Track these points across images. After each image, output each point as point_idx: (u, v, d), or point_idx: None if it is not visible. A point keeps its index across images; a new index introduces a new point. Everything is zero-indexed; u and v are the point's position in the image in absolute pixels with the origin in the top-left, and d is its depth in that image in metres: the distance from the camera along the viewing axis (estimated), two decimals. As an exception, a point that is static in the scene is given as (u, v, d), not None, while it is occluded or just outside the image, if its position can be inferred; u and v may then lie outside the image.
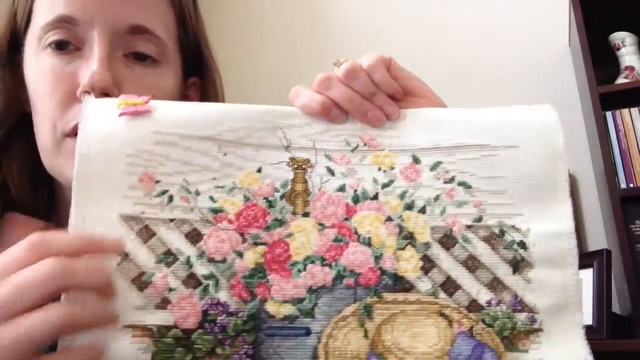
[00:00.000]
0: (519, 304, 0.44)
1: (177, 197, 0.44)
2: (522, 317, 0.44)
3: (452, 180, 0.46)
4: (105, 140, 0.44)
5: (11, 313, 0.36)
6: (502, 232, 0.45)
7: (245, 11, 2.45)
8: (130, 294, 0.41)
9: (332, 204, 0.45)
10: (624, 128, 1.73)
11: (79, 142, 0.44)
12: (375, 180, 0.46)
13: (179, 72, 0.64)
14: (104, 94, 0.54)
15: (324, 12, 2.37)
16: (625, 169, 1.68)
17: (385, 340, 0.42)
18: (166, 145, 0.45)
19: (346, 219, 0.45)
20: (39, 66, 0.58)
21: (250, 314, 0.42)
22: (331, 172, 0.46)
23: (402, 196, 0.46)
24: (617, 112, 1.75)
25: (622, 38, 1.85)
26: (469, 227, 0.45)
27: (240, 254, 0.43)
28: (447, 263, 0.44)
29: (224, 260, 0.43)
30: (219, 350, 0.41)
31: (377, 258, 0.44)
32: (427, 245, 0.45)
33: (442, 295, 0.44)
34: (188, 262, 0.42)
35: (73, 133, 0.54)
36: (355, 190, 0.46)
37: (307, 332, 0.42)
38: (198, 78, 0.68)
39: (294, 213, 0.45)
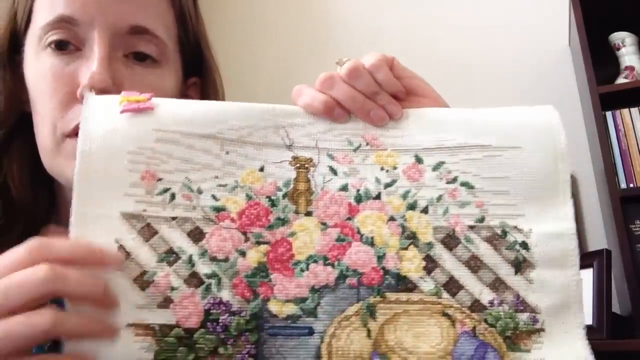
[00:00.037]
0: (521, 304, 0.44)
1: (179, 195, 0.44)
2: (524, 317, 0.44)
3: (454, 180, 0.46)
4: (107, 137, 0.44)
5: (0, 311, 0.36)
6: (505, 233, 0.45)
7: (246, 11, 2.45)
8: (132, 293, 0.41)
9: (335, 204, 0.45)
10: (624, 128, 1.73)
11: (80, 139, 0.44)
12: (377, 180, 0.46)
13: (179, 72, 0.64)
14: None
15: (325, 12, 2.37)
16: (625, 169, 1.68)
17: (388, 340, 0.42)
18: (168, 142, 0.45)
19: (349, 219, 0.45)
20: (39, 66, 0.58)
21: (253, 313, 0.42)
22: (334, 171, 0.46)
23: (404, 196, 0.46)
24: (617, 112, 1.75)
25: (622, 38, 1.85)
26: (471, 227, 0.45)
27: (242, 253, 0.43)
28: (450, 263, 0.44)
29: (226, 259, 0.43)
30: (221, 350, 0.41)
31: (380, 258, 0.44)
32: (429, 245, 0.45)
33: (445, 295, 0.44)
34: (190, 261, 0.42)
35: (73, 133, 0.54)
36: (358, 190, 0.46)
37: (310, 331, 0.42)
38: (198, 78, 0.68)
39: (296, 212, 0.45)
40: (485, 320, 0.43)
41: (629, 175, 1.67)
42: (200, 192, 0.44)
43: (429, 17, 2.23)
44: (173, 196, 0.44)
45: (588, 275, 1.59)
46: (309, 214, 0.45)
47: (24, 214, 0.60)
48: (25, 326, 0.36)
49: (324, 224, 0.45)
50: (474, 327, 0.43)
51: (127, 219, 0.43)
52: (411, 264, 0.44)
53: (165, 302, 0.41)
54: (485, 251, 0.45)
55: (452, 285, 0.44)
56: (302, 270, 0.43)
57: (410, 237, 0.45)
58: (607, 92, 1.69)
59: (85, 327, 0.38)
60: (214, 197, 0.44)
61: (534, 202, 0.46)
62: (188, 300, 0.41)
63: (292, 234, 0.44)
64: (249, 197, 0.45)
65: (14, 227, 0.59)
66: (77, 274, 0.38)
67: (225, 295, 0.42)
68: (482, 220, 0.46)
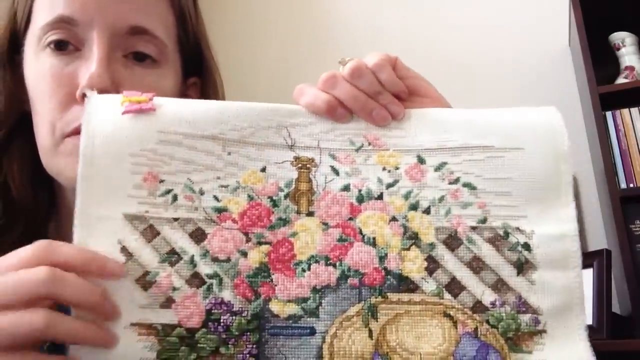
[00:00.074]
0: (523, 306, 0.44)
1: (181, 197, 0.44)
2: (526, 318, 0.44)
3: (457, 181, 0.46)
4: (109, 139, 0.44)
5: None
6: (507, 234, 0.45)
7: (246, 11, 2.45)
8: (135, 293, 0.41)
9: (337, 204, 0.45)
10: (624, 128, 1.73)
11: (82, 141, 0.44)
12: (379, 180, 0.46)
13: (179, 72, 0.64)
14: None
15: (325, 12, 2.37)
16: (625, 169, 1.68)
17: (390, 341, 0.42)
18: (170, 144, 0.45)
19: (350, 219, 0.45)
20: (38, 66, 0.58)
21: (254, 313, 0.42)
22: (335, 171, 0.46)
23: (406, 196, 0.46)
24: (617, 112, 1.75)
25: (622, 38, 1.85)
26: (473, 228, 0.45)
27: (244, 253, 0.43)
28: (452, 264, 0.44)
29: (228, 260, 0.43)
30: (223, 350, 0.41)
31: (382, 258, 0.44)
32: (432, 245, 0.45)
33: (447, 296, 0.44)
34: (192, 262, 0.42)
35: (73, 133, 0.54)
36: (360, 190, 0.46)
37: (312, 331, 0.42)
38: (198, 78, 0.68)
39: (298, 212, 0.45)
40: (487, 321, 0.43)
41: (629, 175, 1.67)
42: (202, 193, 0.44)
43: (429, 17, 2.23)
44: (175, 197, 0.44)
45: (588, 275, 1.59)
46: (310, 214, 0.45)
47: (24, 214, 0.60)
48: (17, 322, 0.37)
49: (325, 224, 0.45)
50: (476, 328, 0.43)
51: (129, 220, 0.43)
52: (413, 265, 0.44)
53: (168, 302, 0.41)
54: (487, 252, 0.45)
55: (454, 286, 0.44)
56: (303, 271, 0.43)
57: (412, 238, 0.45)
58: (607, 92, 1.69)
59: (81, 332, 0.38)
60: (215, 198, 0.44)
61: (536, 203, 0.46)
62: (190, 301, 0.41)
63: (294, 234, 0.44)
64: (250, 198, 0.45)
65: (14, 227, 0.59)
66: (76, 280, 0.38)
67: (227, 295, 0.42)
68: (484, 221, 0.46)
